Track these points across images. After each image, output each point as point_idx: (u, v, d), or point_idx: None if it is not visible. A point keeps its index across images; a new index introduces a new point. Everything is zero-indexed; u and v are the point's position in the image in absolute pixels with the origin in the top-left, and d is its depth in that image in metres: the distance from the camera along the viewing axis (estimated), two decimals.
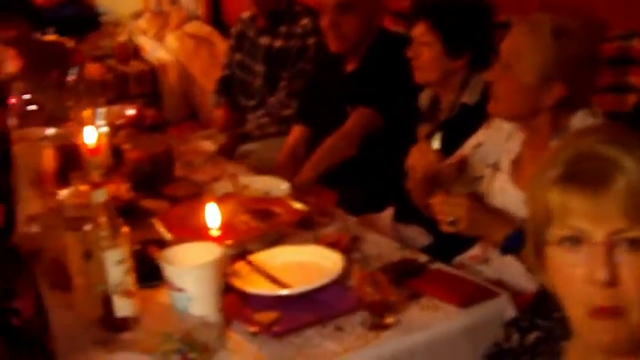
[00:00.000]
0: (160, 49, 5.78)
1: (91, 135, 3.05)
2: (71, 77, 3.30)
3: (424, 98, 3.37)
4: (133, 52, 5.98)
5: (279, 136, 4.33)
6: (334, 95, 3.84)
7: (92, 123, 3.24)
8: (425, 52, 3.18)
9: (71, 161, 3.34)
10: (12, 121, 4.45)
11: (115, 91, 5.58)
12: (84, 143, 3.05)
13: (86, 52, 5.93)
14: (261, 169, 3.81)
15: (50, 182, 3.19)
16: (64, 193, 2.50)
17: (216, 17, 5.72)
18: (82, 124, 3.26)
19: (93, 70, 5.41)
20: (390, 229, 3.13)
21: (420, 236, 3.11)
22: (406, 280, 2.32)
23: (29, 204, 3.08)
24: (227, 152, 4.02)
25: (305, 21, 4.29)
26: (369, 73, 3.71)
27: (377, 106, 3.63)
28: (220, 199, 2.75)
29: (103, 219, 2.15)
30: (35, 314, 2.11)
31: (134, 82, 5.71)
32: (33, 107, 4.62)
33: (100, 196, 2.14)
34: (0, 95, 4.69)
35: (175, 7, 6.00)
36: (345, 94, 3.76)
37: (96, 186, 2.14)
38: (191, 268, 2.14)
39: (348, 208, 2.98)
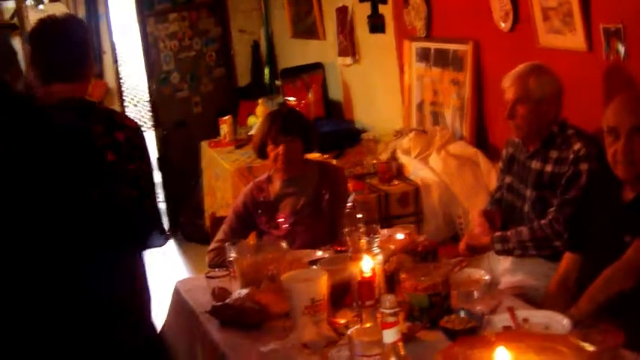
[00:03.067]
0: (423, 169, 5.79)
1: (368, 264, 3.05)
2: (349, 203, 3.33)
3: None
4: (396, 171, 6.02)
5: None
6: (610, 224, 3.71)
7: (368, 251, 3.26)
8: None
9: (345, 288, 3.38)
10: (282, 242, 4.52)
11: (377, 211, 5.61)
12: (361, 272, 3.05)
13: (347, 171, 6.00)
14: (526, 298, 3.74)
15: (324, 309, 3.21)
16: (353, 329, 2.50)
17: (481, 138, 5.71)
18: (358, 251, 3.29)
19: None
20: None
21: None
22: None
23: (304, 331, 3.11)
24: None
25: (577, 146, 4.19)
26: None
27: None
28: (500, 335, 2.69)
29: (393, 358, 2.13)
30: None
31: (396, 203, 5.74)
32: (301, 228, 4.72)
33: (392, 335, 2.13)
34: (269, 214, 4.81)
35: (439, 127, 6.03)
36: (622, 223, 3.63)
37: (387, 325, 2.12)
38: None
39: (631, 344, 2.85)
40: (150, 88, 9.90)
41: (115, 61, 10.23)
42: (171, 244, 9.48)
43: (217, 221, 5.16)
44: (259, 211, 4.83)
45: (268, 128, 4.79)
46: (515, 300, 3.47)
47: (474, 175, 5.56)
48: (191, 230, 9.09)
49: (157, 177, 10.11)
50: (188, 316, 3.88)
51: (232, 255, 3.78)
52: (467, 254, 4.41)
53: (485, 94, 5.69)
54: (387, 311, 2.13)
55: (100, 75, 9.83)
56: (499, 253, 4.38)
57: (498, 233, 4.41)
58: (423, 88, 6.44)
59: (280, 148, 4.70)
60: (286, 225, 4.76)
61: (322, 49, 8.32)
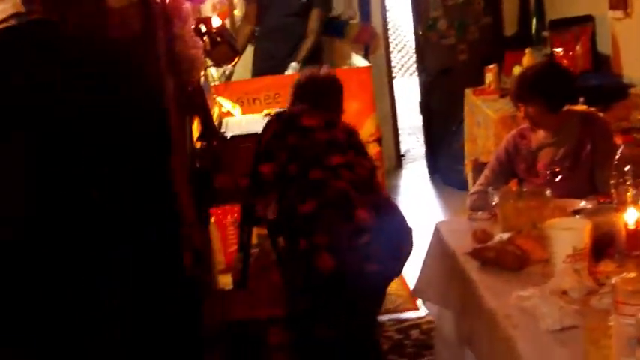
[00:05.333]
0: None
1: (634, 216, 3.04)
2: (617, 155, 3.32)
3: None
4: None
5: None
6: None
7: (634, 203, 3.24)
8: None
9: (608, 239, 3.36)
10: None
11: None
12: (626, 224, 3.05)
13: (613, 125, 5.89)
14: None
15: (585, 258, 3.22)
16: (617, 278, 2.52)
17: None
18: (623, 203, 3.27)
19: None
20: None
21: None
22: None
23: (564, 278, 3.11)
24: None
25: None
26: None
27: None
28: None
29: None
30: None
31: None
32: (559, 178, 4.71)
33: None
34: (528, 162, 4.81)
35: None
36: None
37: None
38: None
39: None
40: (416, 34, 9.99)
41: (383, 6, 10.36)
42: (429, 187, 9.64)
43: (479, 167, 5.22)
44: (519, 158, 4.85)
45: (509, 91, 4.86)
46: None
47: None
48: (450, 175, 9.17)
49: (419, 121, 10.26)
50: (447, 257, 3.95)
51: (496, 199, 3.83)
52: None
53: None
54: None
55: (367, 19, 9.97)
56: None
57: None
58: None
59: (521, 111, 4.78)
60: (544, 174, 4.75)
61: (592, 1, 8.13)
